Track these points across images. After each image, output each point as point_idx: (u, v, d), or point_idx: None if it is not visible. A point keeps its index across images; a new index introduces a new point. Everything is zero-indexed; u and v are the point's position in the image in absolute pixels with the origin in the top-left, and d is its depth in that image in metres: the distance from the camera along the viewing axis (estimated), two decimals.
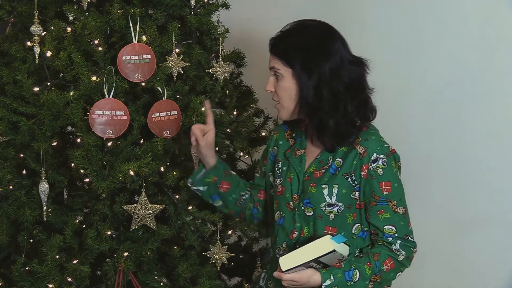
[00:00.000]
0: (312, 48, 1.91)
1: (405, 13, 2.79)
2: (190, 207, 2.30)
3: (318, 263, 1.86)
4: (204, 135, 2.06)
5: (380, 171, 1.92)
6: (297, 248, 1.90)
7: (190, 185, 2.16)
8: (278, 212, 2.04)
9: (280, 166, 2.07)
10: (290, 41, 1.93)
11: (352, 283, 1.87)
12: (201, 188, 2.14)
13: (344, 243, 1.86)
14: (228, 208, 2.17)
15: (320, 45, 1.91)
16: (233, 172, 2.20)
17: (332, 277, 1.86)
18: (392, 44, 2.82)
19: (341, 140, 1.94)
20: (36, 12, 2.20)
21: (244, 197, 2.16)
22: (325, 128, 1.92)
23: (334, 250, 1.82)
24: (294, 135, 2.08)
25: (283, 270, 1.84)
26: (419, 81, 2.76)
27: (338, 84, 1.89)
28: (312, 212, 1.96)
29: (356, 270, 1.88)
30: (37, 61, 2.21)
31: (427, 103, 2.75)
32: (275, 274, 1.89)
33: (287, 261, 1.85)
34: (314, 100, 1.90)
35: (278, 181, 2.05)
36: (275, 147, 2.12)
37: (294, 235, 1.98)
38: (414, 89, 2.78)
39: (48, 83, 2.25)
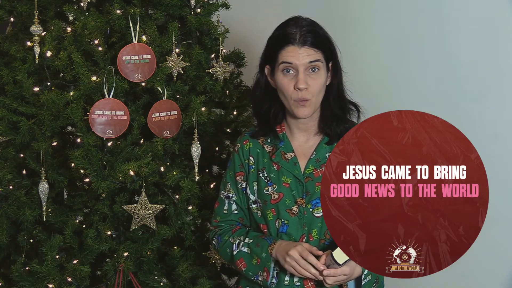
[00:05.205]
0: (332, 40, 1.96)
1: (403, 12, 2.78)
2: (190, 207, 2.30)
3: None
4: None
5: None
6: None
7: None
8: (278, 220, 1.95)
9: (266, 174, 1.98)
10: (323, 33, 1.93)
11: None
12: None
13: None
14: None
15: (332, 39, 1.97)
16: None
17: None
18: (391, 43, 2.81)
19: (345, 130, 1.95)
20: (36, 12, 2.20)
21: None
22: (339, 118, 1.96)
23: None
24: (269, 140, 2.01)
25: (341, 263, 1.77)
26: (418, 81, 2.76)
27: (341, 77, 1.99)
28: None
29: None
30: (37, 61, 2.21)
31: (426, 102, 2.75)
32: (327, 272, 1.79)
33: (341, 253, 1.77)
34: (340, 93, 1.97)
35: (270, 189, 1.96)
36: (251, 157, 2.01)
37: (304, 240, 1.92)
38: (414, 89, 2.78)
39: (48, 83, 2.25)
